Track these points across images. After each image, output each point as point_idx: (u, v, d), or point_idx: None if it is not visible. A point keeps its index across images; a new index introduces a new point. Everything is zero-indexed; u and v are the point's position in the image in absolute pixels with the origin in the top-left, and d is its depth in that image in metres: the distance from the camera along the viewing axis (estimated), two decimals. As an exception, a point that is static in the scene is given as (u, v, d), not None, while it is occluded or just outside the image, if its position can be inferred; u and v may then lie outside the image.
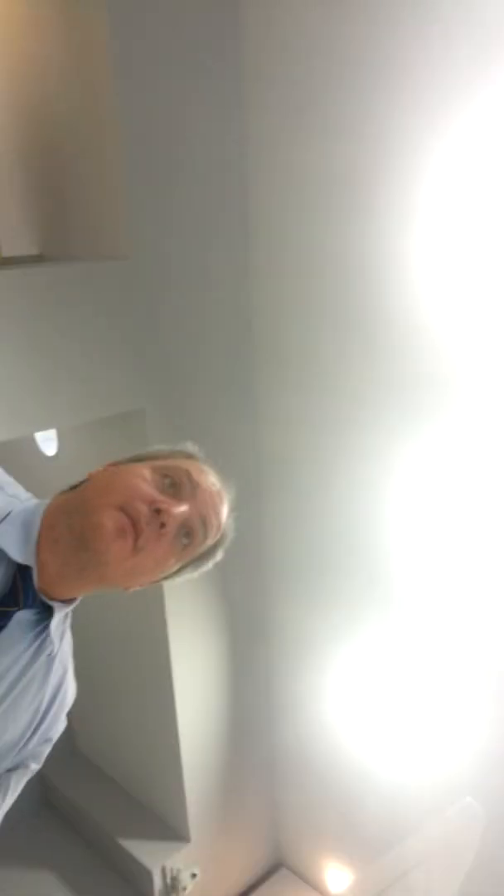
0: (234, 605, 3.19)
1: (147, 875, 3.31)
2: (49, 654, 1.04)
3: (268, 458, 3.03)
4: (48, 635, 1.02)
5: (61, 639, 1.08)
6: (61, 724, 1.13)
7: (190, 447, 1.14)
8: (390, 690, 2.92)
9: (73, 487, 1.07)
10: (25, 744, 1.07)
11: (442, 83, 2.07)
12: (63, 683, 1.10)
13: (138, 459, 1.09)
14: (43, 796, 3.92)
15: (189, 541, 1.04)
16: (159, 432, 2.58)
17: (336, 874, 3.53)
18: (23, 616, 0.98)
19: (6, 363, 2.26)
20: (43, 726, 1.08)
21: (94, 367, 2.45)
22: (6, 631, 0.97)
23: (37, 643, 1.01)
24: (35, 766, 1.11)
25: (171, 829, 3.46)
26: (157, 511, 0.98)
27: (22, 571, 0.98)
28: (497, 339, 2.19)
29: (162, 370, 2.64)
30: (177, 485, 1.03)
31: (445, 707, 2.74)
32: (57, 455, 3.24)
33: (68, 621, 1.10)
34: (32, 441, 3.33)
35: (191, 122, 2.49)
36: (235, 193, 2.67)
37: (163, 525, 0.98)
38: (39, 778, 3.83)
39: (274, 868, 3.84)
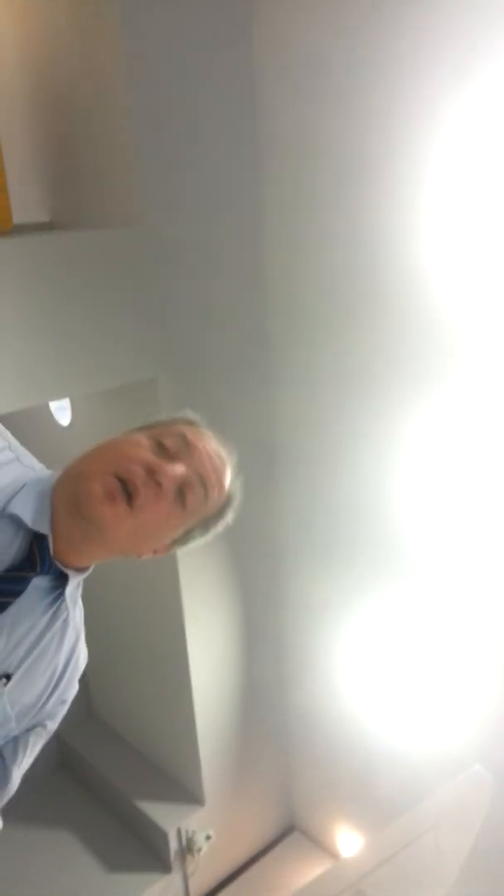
0: (248, 571, 3.21)
1: (163, 836, 3.38)
2: (64, 620, 1.06)
3: (282, 428, 3.02)
4: (63, 601, 1.05)
5: (74, 606, 1.10)
6: (74, 688, 1.16)
7: (190, 414, 1.14)
8: (402, 658, 2.93)
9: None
10: (43, 705, 1.10)
11: (453, 56, 2.03)
12: (76, 648, 1.13)
13: (140, 430, 1.09)
14: (61, 759, 4.00)
15: (187, 500, 1.04)
16: (172, 401, 2.57)
17: (347, 838, 3.59)
18: (39, 582, 1.01)
19: (18, 331, 2.26)
20: (59, 689, 1.11)
21: (106, 336, 2.45)
22: (24, 596, 1.00)
23: (52, 609, 1.04)
24: (52, 727, 1.14)
25: (186, 792, 3.53)
26: (153, 471, 0.99)
27: (38, 539, 1.00)
28: (514, 306, 2.17)
29: (175, 339, 2.62)
30: (173, 447, 1.04)
31: (456, 676, 2.76)
32: (71, 425, 3.25)
33: (80, 590, 1.11)
34: (47, 411, 3.34)
35: (202, 89, 2.45)
36: (248, 160, 2.63)
37: (159, 484, 0.99)
38: (57, 741, 3.91)
39: (287, 831, 3.91)
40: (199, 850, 3.42)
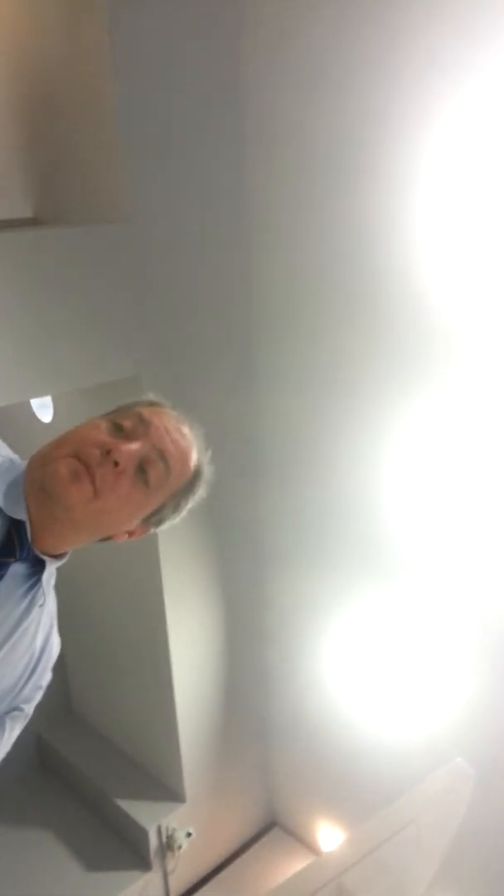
0: (230, 568, 3.22)
1: (143, 834, 3.38)
2: (41, 606, 1.09)
3: (266, 426, 3.03)
4: (41, 587, 1.07)
5: (49, 594, 1.12)
6: (49, 675, 1.18)
7: (152, 397, 1.16)
8: (383, 653, 2.95)
9: None
10: (21, 690, 1.12)
11: (450, 46, 2.04)
12: (50, 636, 1.16)
13: (101, 416, 1.11)
14: (40, 758, 3.98)
15: (149, 475, 1.05)
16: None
17: (328, 833, 3.61)
18: (17, 569, 1.03)
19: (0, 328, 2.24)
20: (35, 674, 1.14)
21: (89, 334, 2.44)
22: (3, 582, 1.02)
23: (30, 595, 1.06)
24: (28, 710, 1.16)
25: (166, 790, 3.52)
26: (108, 451, 1.00)
27: (16, 526, 1.02)
28: (498, 307, 2.19)
29: (158, 337, 2.62)
30: (129, 427, 1.05)
31: (436, 671, 2.78)
32: (53, 422, 3.23)
33: (53, 580, 1.13)
34: (29, 408, 3.32)
35: (188, 83, 2.44)
36: (234, 156, 2.63)
37: (116, 463, 1.00)
38: (37, 740, 3.89)
39: (267, 827, 3.92)
40: (180, 847, 3.42)
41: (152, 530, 1.15)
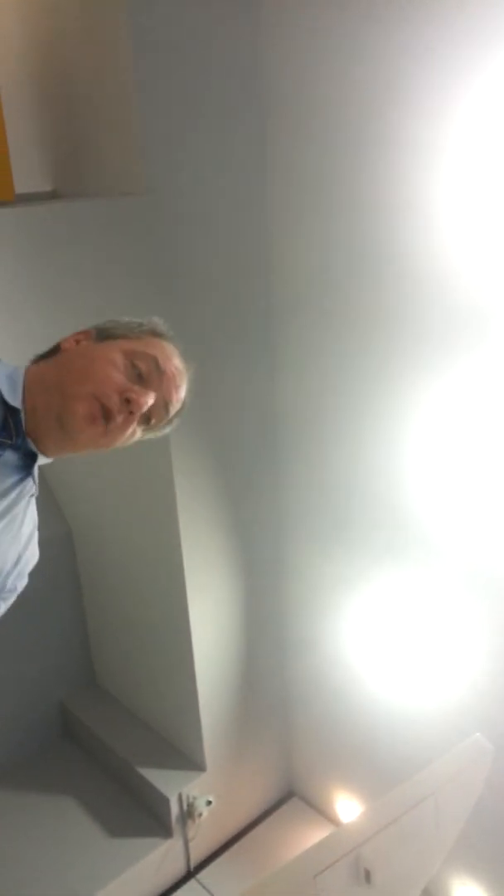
0: (250, 543, 3.23)
1: (164, 802, 3.44)
2: (29, 498, 1.15)
3: (285, 402, 3.02)
4: (31, 480, 1.14)
5: (33, 497, 1.18)
6: (25, 579, 1.22)
7: (157, 322, 1.25)
8: (403, 627, 2.96)
9: (44, 356, 1.19)
10: (7, 575, 1.16)
11: (473, 17, 1.98)
12: (33, 538, 1.21)
13: (108, 335, 1.18)
14: (64, 727, 4.05)
15: (154, 422, 1.18)
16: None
17: (345, 804, 3.66)
18: (10, 457, 1.09)
19: (17, 301, 2.24)
20: (20, 565, 1.18)
21: (105, 307, 2.42)
22: (0, 461, 1.08)
23: (20, 486, 1.12)
24: (11, 600, 1.20)
25: (187, 760, 3.58)
26: (127, 400, 1.10)
27: (13, 414, 1.09)
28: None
29: (175, 311, 2.59)
30: (145, 371, 1.14)
31: (456, 647, 2.78)
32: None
33: (37, 487, 1.18)
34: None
35: (208, 54, 2.40)
36: (255, 130, 2.58)
37: (131, 412, 1.11)
38: (61, 709, 3.97)
39: (286, 797, 3.98)
40: (200, 815, 3.48)
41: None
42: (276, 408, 3.04)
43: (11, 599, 1.20)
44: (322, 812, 3.84)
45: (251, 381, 2.93)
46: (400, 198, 2.30)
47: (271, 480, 3.16)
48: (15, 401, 1.08)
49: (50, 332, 2.35)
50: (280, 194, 2.66)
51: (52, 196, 2.71)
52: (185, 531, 2.94)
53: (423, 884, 1.98)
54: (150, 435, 1.23)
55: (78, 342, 1.18)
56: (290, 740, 3.86)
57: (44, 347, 1.23)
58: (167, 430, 1.25)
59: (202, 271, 2.61)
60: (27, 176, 2.65)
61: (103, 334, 1.19)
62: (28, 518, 1.17)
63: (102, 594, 3.75)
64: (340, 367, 2.73)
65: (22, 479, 1.11)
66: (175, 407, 1.20)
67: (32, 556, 1.20)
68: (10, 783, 3.75)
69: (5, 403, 1.08)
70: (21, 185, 2.50)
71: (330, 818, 3.79)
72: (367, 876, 1.79)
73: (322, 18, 2.31)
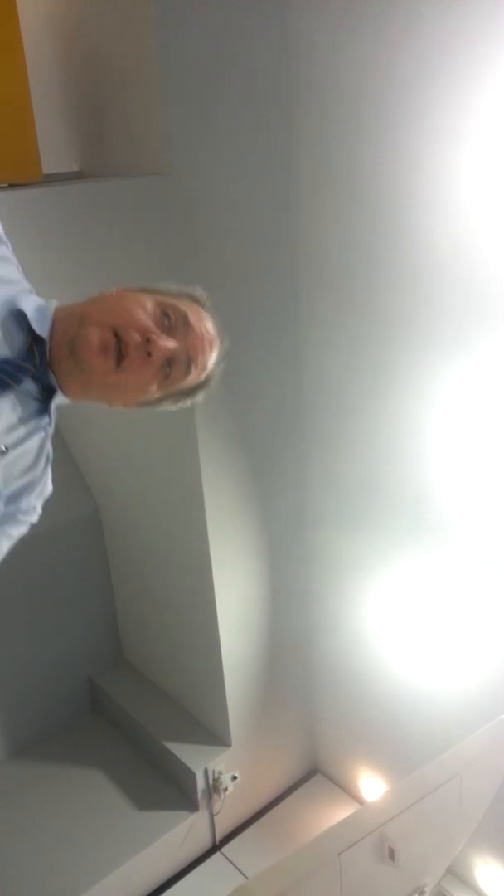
0: (275, 521, 3.24)
1: (191, 776, 3.49)
2: (46, 429, 1.13)
3: (310, 385, 3.00)
4: (47, 414, 1.12)
5: (50, 435, 1.16)
6: (39, 510, 1.18)
7: (198, 292, 1.20)
8: (428, 607, 2.96)
9: None
10: (20, 495, 1.13)
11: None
12: (47, 470, 1.17)
13: (149, 291, 1.15)
14: (93, 702, 4.12)
15: (171, 373, 1.12)
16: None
17: (369, 783, 3.68)
18: (30, 386, 1.08)
19: (43, 280, 2.25)
20: (34, 492, 1.15)
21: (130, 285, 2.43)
22: (20, 388, 1.06)
23: (37, 418, 1.11)
24: (23, 529, 1.17)
25: (213, 735, 3.63)
26: (148, 340, 1.07)
27: (38, 344, 1.07)
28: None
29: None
30: (172, 323, 1.11)
31: (480, 628, 2.77)
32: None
33: (52, 427, 1.16)
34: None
35: (235, 35, 2.37)
36: (280, 108, 2.55)
37: (149, 354, 1.07)
38: (89, 684, 4.03)
39: (310, 774, 4.01)
40: (226, 789, 3.53)
41: (142, 409, 1.19)
42: (301, 389, 3.02)
43: (26, 523, 1.17)
44: (346, 790, 3.87)
45: (276, 364, 2.92)
46: (427, 180, 2.27)
47: (295, 463, 3.15)
48: (42, 330, 1.07)
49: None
50: (306, 177, 2.63)
51: (79, 176, 2.70)
52: (210, 515, 2.95)
53: (446, 863, 1.99)
54: (170, 402, 1.20)
55: (117, 291, 1.16)
56: (314, 718, 3.89)
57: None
58: (189, 401, 1.21)
59: (226, 251, 2.60)
60: (55, 157, 2.65)
61: (144, 289, 1.17)
62: (43, 453, 1.15)
63: (129, 571, 3.79)
64: (364, 353, 2.71)
65: (39, 413, 1.11)
66: (199, 371, 1.16)
67: (46, 486, 1.18)
68: (39, 756, 3.83)
69: (32, 332, 1.07)
70: (48, 166, 2.50)
71: (354, 796, 3.82)
72: (392, 854, 1.80)
73: (351, 2, 2.26)
